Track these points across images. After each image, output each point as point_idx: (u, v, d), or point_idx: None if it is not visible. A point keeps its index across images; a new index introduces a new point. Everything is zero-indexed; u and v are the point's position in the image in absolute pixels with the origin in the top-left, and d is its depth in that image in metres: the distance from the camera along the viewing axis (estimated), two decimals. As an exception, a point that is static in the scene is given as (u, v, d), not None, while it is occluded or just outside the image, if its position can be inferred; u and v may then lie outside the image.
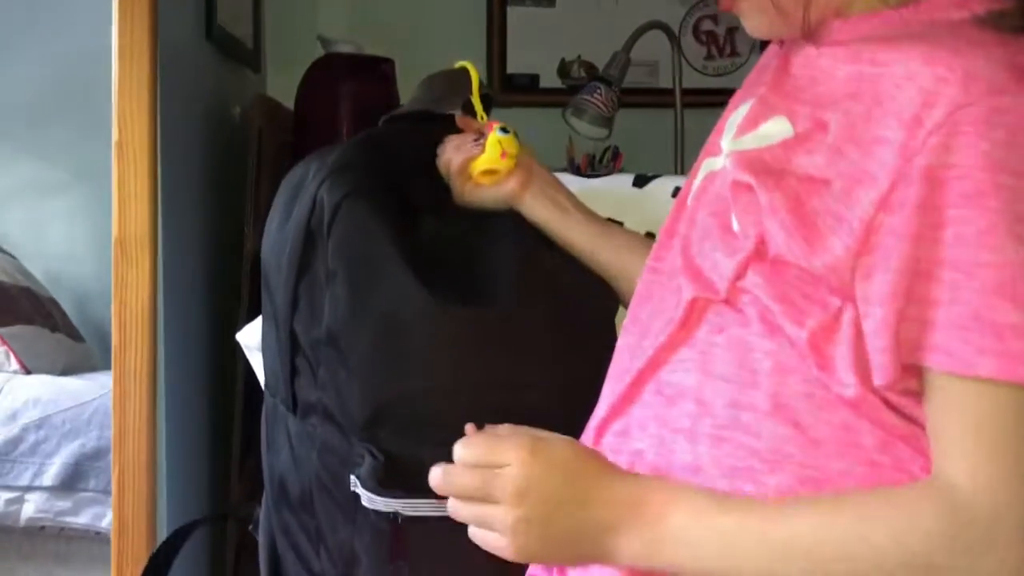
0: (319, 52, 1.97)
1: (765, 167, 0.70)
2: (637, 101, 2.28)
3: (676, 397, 0.71)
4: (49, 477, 2.40)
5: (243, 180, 1.70)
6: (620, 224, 1.06)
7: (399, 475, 0.80)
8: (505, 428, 0.75)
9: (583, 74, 2.43)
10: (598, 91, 2.05)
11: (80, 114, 2.61)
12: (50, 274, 3.07)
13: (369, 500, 0.81)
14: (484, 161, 0.95)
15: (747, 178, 0.70)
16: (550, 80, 2.44)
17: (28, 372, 2.64)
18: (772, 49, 0.81)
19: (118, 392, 1.27)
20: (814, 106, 0.70)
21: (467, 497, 0.71)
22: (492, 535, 0.70)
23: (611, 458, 0.73)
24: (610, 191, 1.12)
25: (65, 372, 2.74)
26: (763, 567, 0.66)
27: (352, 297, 0.85)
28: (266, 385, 1.01)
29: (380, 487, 0.80)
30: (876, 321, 0.64)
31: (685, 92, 2.14)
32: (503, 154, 0.95)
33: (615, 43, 2.16)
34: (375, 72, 1.94)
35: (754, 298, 0.69)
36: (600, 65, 2.31)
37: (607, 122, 2.09)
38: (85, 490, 2.37)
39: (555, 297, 0.88)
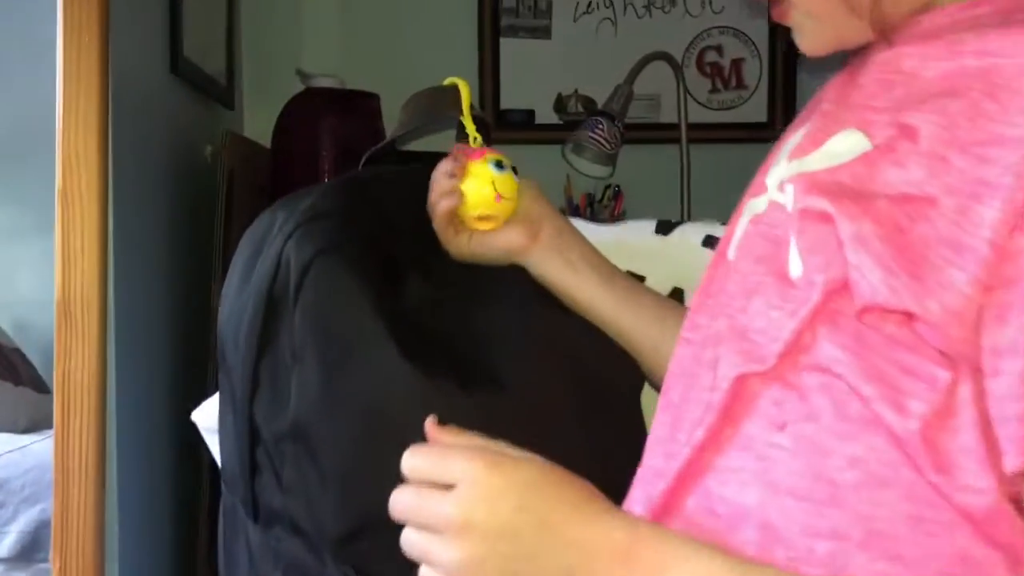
0: (300, 87, 1.82)
1: (843, 189, 0.53)
2: (638, 137, 2.14)
3: (735, 520, 0.54)
4: (5, 547, 2.23)
5: (212, 231, 1.54)
6: (642, 280, 0.89)
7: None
8: (467, 438, 0.58)
9: (581, 109, 2.29)
10: (600, 126, 1.91)
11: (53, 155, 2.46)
12: (18, 322, 2.91)
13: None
14: (474, 205, 0.79)
15: (821, 204, 0.53)
16: (546, 116, 2.30)
17: None
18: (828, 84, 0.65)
19: (60, 480, 1.10)
20: (895, 111, 0.55)
21: (411, 523, 0.55)
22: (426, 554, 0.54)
23: None
24: (627, 240, 0.96)
25: (28, 429, 2.58)
26: None
27: (324, 381, 0.68)
28: (224, 480, 0.84)
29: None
30: (1014, 378, 0.47)
31: (689, 127, 2.00)
32: (497, 197, 0.78)
33: (614, 76, 2.02)
34: (359, 108, 1.79)
35: (828, 380, 0.52)
36: (598, 99, 2.18)
37: (610, 159, 1.94)
38: (44, 560, 2.19)
39: (572, 378, 0.71)
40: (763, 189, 0.63)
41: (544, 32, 2.27)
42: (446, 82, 0.87)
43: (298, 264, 0.71)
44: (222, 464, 0.81)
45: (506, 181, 0.79)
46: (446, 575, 0.53)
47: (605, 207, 2.20)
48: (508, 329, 0.73)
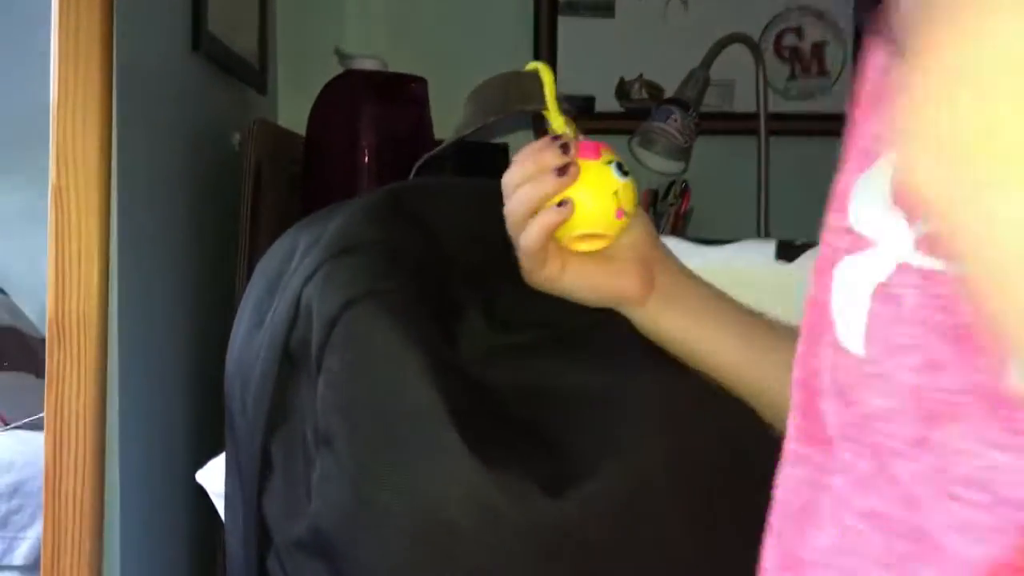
0: (339, 69, 1.63)
1: None
2: (709, 128, 1.94)
3: None
4: (20, 555, 2.11)
5: (237, 235, 1.36)
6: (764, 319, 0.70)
7: None
8: None
9: (646, 95, 2.09)
10: (672, 116, 1.71)
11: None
12: (43, 309, 2.79)
13: None
14: (585, 221, 0.58)
15: None
16: (607, 103, 2.10)
17: (5, 424, 2.36)
18: None
19: (50, 529, 0.93)
20: None
21: None
22: None
23: None
24: (740, 266, 0.76)
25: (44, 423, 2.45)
26: None
27: (360, 480, 0.50)
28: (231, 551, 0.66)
29: None
30: None
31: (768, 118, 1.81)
32: (619, 212, 0.58)
33: (682, 59, 1.84)
34: (404, 93, 1.60)
35: None
36: (665, 85, 1.99)
37: (683, 154, 1.75)
38: (62, 571, 2.06)
39: (718, 472, 0.52)
40: (867, 243, 0.43)
41: (606, 10, 2.06)
42: (528, 67, 0.67)
43: (323, 316, 0.52)
44: (228, 560, 0.63)
45: (628, 191, 0.58)
46: None
47: (671, 205, 2.01)
48: (617, 397, 0.54)
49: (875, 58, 0.46)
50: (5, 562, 2.04)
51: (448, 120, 1.68)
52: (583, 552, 0.47)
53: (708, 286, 0.63)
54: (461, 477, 0.49)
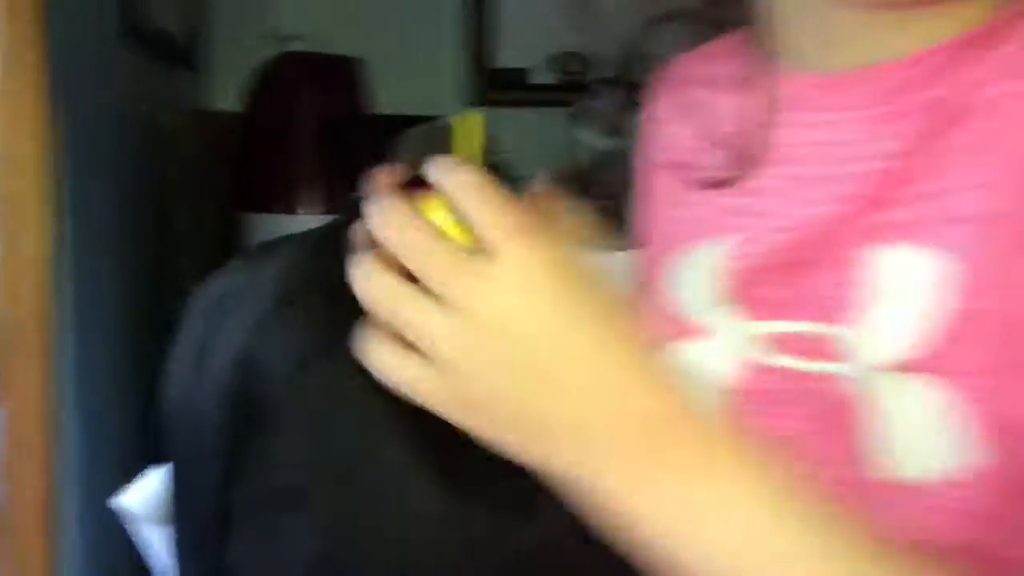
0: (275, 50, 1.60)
1: None
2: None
3: None
4: None
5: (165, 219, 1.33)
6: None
7: None
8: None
9: (582, 68, 2.09)
10: (609, 93, 1.72)
11: None
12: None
13: None
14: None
15: None
16: (542, 75, 2.09)
17: None
18: None
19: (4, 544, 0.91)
20: None
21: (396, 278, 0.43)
22: (399, 358, 0.43)
23: None
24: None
25: None
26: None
27: (333, 534, 0.51)
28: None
29: None
30: None
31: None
32: None
33: (620, 33, 1.83)
34: (340, 73, 1.58)
35: None
36: (603, 57, 1.99)
37: (618, 131, 1.76)
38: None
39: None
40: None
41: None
42: (463, 117, 0.64)
43: (278, 372, 0.52)
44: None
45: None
46: (433, 353, 0.42)
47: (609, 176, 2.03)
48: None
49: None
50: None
51: (384, 96, 1.66)
52: (563, 567, 0.49)
53: None
54: (435, 521, 0.50)
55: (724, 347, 0.50)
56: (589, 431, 0.42)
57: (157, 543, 0.81)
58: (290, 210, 1.51)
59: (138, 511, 0.80)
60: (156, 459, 0.74)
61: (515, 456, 0.44)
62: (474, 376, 0.42)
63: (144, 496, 0.78)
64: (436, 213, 0.49)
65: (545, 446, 0.43)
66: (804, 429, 0.47)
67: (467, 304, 0.41)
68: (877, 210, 0.45)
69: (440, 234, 0.44)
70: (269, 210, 1.51)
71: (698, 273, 0.53)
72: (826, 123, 0.49)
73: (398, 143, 0.83)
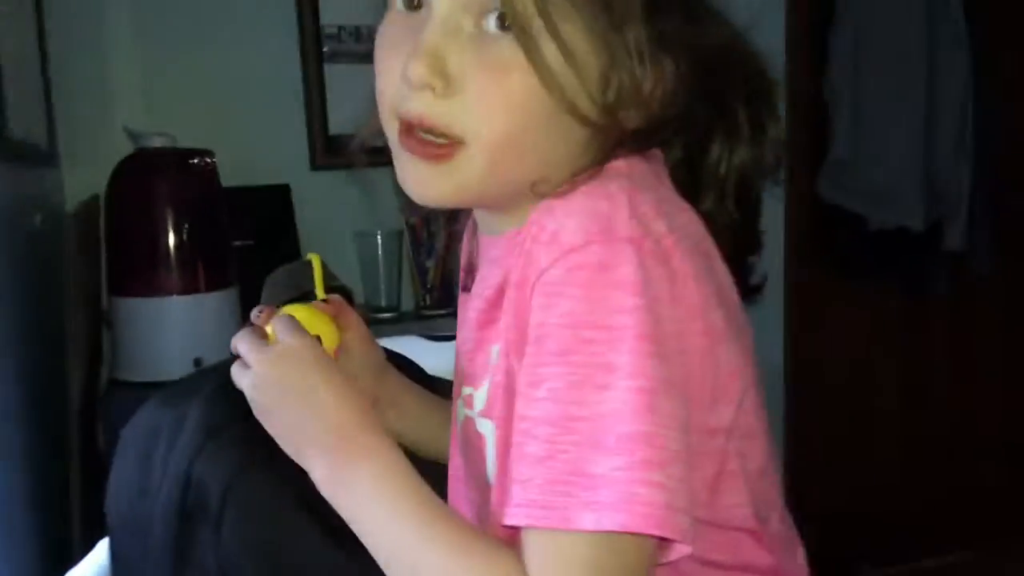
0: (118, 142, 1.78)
1: None
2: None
3: None
4: None
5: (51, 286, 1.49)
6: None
7: None
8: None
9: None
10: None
11: None
12: None
13: None
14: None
15: None
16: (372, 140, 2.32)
17: None
18: None
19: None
20: None
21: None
22: (238, 380, 0.79)
23: None
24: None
25: None
26: (383, 535, 0.72)
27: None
28: None
29: None
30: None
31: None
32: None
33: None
34: (193, 166, 1.77)
35: None
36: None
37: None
38: None
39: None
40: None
41: (368, 57, 2.27)
42: (307, 257, 0.92)
43: (217, 487, 0.76)
44: None
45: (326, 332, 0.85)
46: (248, 389, 0.78)
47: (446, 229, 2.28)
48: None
49: None
50: None
51: (240, 176, 1.86)
52: None
53: (417, 391, 0.93)
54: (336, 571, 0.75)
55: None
56: (308, 435, 0.75)
57: None
58: (156, 293, 1.69)
59: None
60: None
61: (289, 451, 0.76)
62: (261, 405, 0.78)
63: None
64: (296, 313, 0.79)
65: (294, 446, 0.75)
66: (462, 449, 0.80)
67: (255, 370, 0.77)
68: (491, 322, 0.75)
69: (253, 339, 0.79)
70: (139, 294, 1.69)
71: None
72: (485, 264, 0.80)
73: (268, 280, 1.08)
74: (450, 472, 0.84)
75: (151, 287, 1.70)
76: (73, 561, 1.49)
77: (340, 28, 2.28)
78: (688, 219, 0.73)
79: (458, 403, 0.82)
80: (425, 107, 0.69)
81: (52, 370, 1.66)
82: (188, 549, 0.77)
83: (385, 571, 0.70)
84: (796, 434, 2.85)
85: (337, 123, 2.30)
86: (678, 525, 0.63)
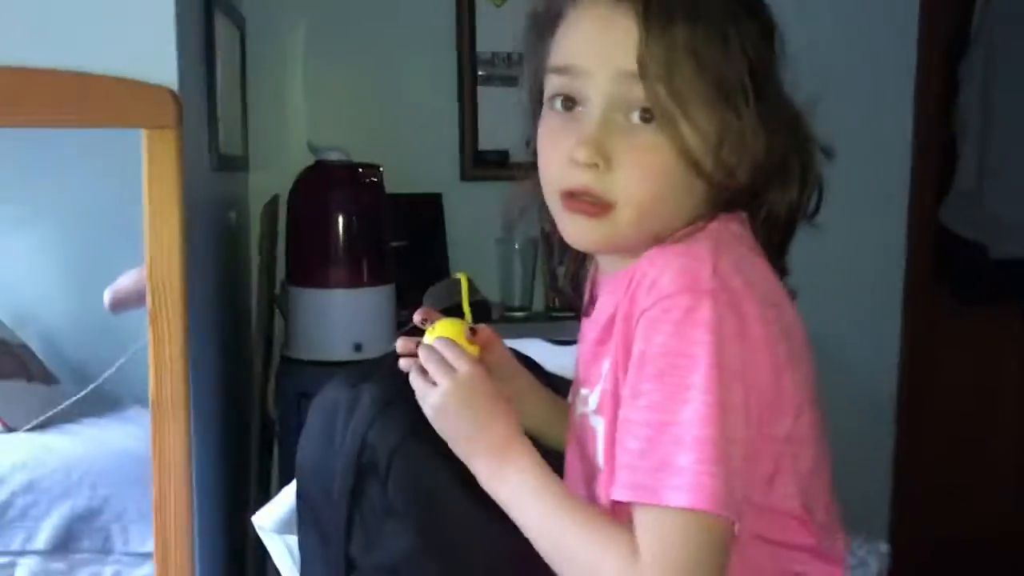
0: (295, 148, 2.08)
1: None
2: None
3: None
4: (41, 541, 2.46)
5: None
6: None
7: None
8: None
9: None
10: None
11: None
12: (17, 316, 3.10)
13: None
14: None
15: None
16: (519, 155, 2.55)
17: (10, 430, 2.69)
18: None
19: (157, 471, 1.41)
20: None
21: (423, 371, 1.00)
22: (424, 394, 1.00)
23: None
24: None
25: (45, 425, 2.78)
26: (533, 522, 0.94)
27: (418, 536, 0.99)
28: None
29: None
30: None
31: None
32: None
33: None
34: (363, 178, 2.05)
35: None
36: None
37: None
38: (79, 551, 2.45)
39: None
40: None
41: (515, 80, 2.51)
42: (457, 275, 1.15)
43: (385, 448, 1.00)
44: (307, 571, 1.12)
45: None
46: (429, 406, 0.99)
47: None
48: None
49: None
50: (28, 547, 2.41)
51: (398, 184, 2.14)
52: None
53: (540, 390, 1.14)
54: (478, 529, 0.98)
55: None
56: (476, 444, 0.96)
57: (289, 550, 1.30)
58: (325, 285, 1.98)
59: (264, 525, 1.28)
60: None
61: (459, 455, 0.98)
62: (442, 418, 0.98)
63: (270, 515, 1.27)
64: (444, 329, 1.02)
65: (464, 451, 0.97)
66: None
67: (442, 388, 0.97)
68: (604, 341, 0.96)
69: (439, 356, 0.99)
70: (312, 285, 1.99)
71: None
72: (602, 296, 1.00)
73: (429, 292, 1.33)
74: (567, 457, 1.05)
75: (322, 280, 1.99)
76: (250, 501, 1.80)
77: (494, 54, 2.52)
78: (762, 273, 0.93)
79: (576, 401, 1.03)
80: (590, 180, 0.91)
81: (240, 340, 1.97)
82: (361, 496, 1.02)
83: (534, 544, 0.93)
84: (909, 457, 2.95)
85: (486, 139, 2.55)
86: (731, 506, 0.84)
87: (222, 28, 1.86)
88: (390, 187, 2.13)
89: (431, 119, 2.50)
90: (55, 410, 2.64)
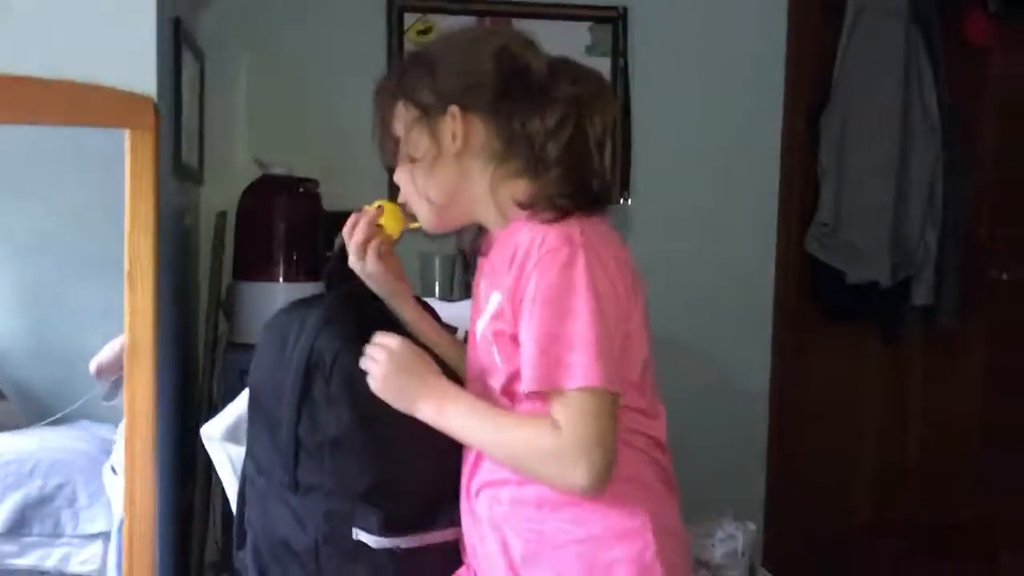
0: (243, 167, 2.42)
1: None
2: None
3: None
4: None
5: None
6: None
7: (393, 524, 1.29)
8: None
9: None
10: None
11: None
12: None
13: (376, 543, 1.28)
14: (392, 223, 1.39)
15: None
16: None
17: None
18: None
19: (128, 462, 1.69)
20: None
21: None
22: (371, 373, 1.30)
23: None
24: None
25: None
26: (479, 437, 1.27)
27: (353, 415, 1.31)
28: (257, 470, 1.44)
29: (384, 532, 1.28)
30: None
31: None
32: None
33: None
34: (303, 190, 2.39)
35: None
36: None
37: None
38: (29, 535, 2.66)
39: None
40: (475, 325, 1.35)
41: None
42: (375, 204, 1.45)
43: (329, 352, 1.33)
44: (255, 461, 1.42)
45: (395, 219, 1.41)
46: (378, 376, 1.29)
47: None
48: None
49: None
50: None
51: (336, 202, 2.48)
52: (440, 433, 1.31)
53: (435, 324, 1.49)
54: (407, 420, 1.30)
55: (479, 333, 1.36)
56: (420, 395, 1.28)
57: (230, 458, 1.61)
58: (271, 279, 2.31)
59: (212, 435, 1.60)
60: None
61: (405, 410, 1.30)
62: (384, 385, 1.31)
63: (217, 427, 1.59)
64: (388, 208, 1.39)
65: (405, 404, 1.29)
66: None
67: (380, 363, 1.30)
68: (496, 278, 1.28)
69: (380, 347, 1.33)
70: (256, 279, 2.31)
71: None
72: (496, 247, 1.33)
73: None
74: (468, 375, 1.37)
75: (264, 274, 2.31)
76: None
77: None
78: (611, 235, 1.28)
79: (476, 326, 1.35)
80: None
81: (190, 324, 2.27)
82: (308, 390, 1.34)
83: (485, 453, 1.27)
84: (779, 452, 3.35)
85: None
86: (614, 383, 1.18)
87: (187, 58, 2.21)
88: (328, 204, 2.47)
89: (364, 143, 2.84)
90: (12, 425, 2.87)
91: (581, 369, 1.17)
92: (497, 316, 1.26)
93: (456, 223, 1.36)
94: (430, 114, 1.28)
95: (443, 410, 1.27)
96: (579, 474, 1.17)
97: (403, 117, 1.32)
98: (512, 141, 1.26)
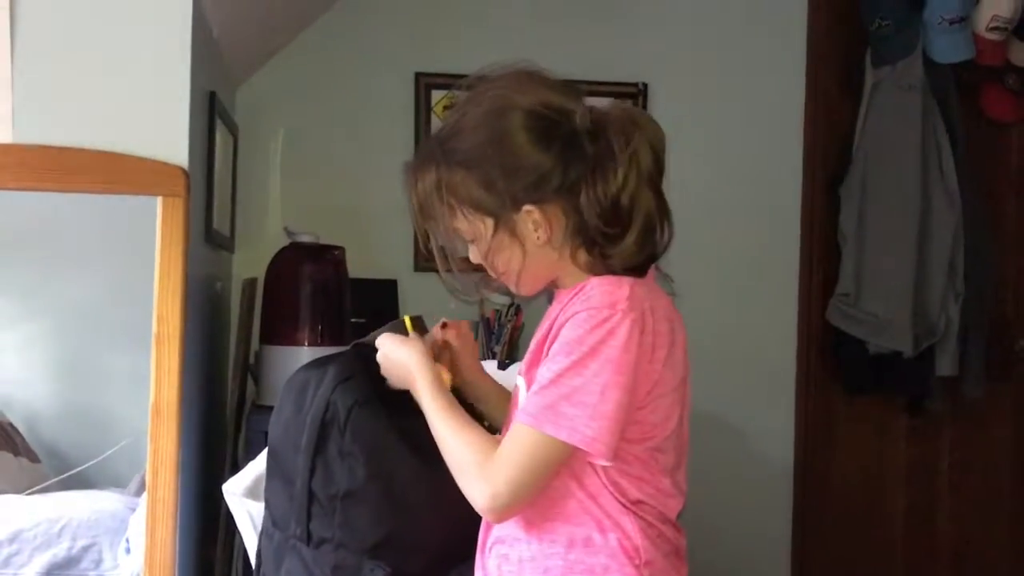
0: (273, 235, 2.50)
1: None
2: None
3: None
4: None
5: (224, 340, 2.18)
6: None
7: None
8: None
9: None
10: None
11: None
12: (3, 398, 3.39)
13: (382, 597, 1.32)
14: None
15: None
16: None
17: None
18: None
19: (151, 495, 1.73)
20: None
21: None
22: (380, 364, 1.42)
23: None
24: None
25: (29, 490, 3.04)
26: (437, 432, 1.32)
27: (366, 469, 1.35)
28: (272, 523, 1.49)
29: (390, 587, 1.31)
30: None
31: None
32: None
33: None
34: (329, 257, 2.47)
35: None
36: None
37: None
38: (57, 598, 2.70)
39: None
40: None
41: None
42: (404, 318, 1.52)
43: (344, 407, 1.38)
44: (271, 514, 1.46)
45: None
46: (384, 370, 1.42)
47: (509, 320, 2.91)
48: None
49: None
50: (11, 593, 2.65)
51: (361, 270, 2.56)
52: (453, 488, 1.35)
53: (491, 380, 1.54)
54: (412, 467, 1.35)
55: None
56: (409, 379, 1.38)
57: (250, 514, 1.66)
58: (297, 343, 2.37)
59: (235, 491, 1.64)
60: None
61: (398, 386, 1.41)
62: (387, 369, 1.42)
63: (239, 483, 1.64)
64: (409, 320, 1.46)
65: (403, 385, 1.39)
66: None
67: (385, 356, 1.42)
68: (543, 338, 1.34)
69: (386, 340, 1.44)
70: (282, 343, 2.37)
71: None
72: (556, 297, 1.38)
73: (386, 327, 1.71)
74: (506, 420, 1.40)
75: (290, 339, 2.38)
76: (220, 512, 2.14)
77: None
78: (660, 298, 1.34)
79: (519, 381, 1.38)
80: None
81: (218, 386, 2.33)
82: (323, 443, 1.39)
83: (439, 445, 1.30)
84: (803, 528, 3.32)
85: (435, 236, 2.98)
86: (593, 447, 1.20)
87: (221, 130, 2.31)
88: (354, 272, 2.55)
89: (391, 214, 2.94)
90: (42, 485, 2.95)
91: (568, 422, 1.20)
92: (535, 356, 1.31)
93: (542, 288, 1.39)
94: (501, 218, 1.28)
95: (425, 396, 1.34)
96: (478, 490, 1.24)
97: (467, 226, 1.32)
98: (586, 211, 1.27)
